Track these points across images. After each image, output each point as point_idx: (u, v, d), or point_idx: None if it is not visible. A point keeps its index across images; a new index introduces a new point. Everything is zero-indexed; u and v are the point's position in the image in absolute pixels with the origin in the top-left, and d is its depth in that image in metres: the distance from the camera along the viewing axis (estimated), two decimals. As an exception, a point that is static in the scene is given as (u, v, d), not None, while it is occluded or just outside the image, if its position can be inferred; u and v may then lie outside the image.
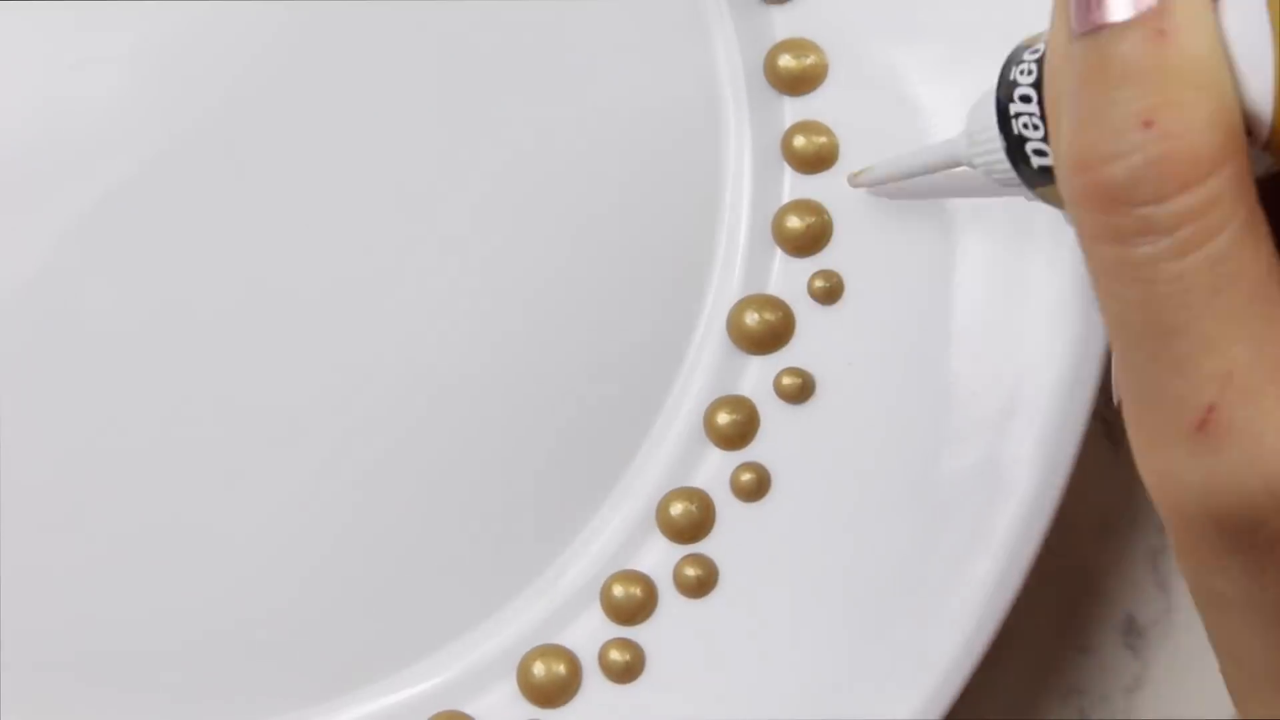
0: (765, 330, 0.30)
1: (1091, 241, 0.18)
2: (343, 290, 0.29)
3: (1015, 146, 0.22)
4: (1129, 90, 0.17)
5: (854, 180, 0.29)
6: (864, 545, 0.29)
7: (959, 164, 0.24)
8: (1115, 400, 0.21)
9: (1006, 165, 0.22)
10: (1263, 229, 0.18)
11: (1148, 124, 0.17)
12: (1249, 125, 0.17)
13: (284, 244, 0.29)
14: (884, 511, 0.29)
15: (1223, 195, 0.17)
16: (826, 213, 0.29)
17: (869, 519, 0.29)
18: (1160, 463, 0.18)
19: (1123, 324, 0.18)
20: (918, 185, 0.27)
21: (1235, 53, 0.17)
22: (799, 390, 0.30)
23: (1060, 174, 0.18)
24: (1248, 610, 0.19)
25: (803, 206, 0.30)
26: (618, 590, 0.30)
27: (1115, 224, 0.18)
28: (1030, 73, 0.21)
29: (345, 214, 0.29)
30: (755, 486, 0.30)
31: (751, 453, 0.30)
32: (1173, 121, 0.17)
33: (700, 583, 0.29)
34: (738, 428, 0.30)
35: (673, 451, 0.30)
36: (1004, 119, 0.22)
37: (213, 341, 0.29)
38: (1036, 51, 0.21)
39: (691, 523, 0.30)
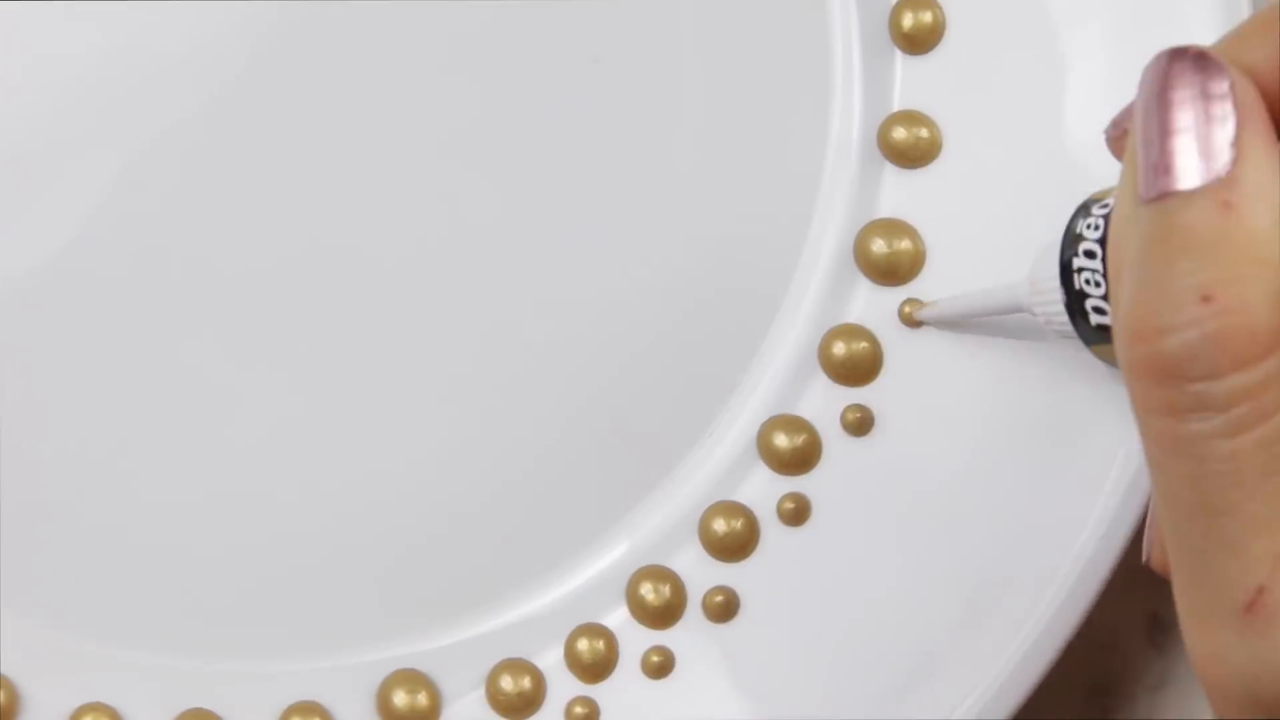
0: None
1: (1144, 412, 0.18)
2: (506, 261, 0.30)
3: (1075, 301, 0.22)
4: (1190, 262, 0.17)
5: (917, 315, 0.29)
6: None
7: (1019, 310, 0.24)
8: (1145, 558, 0.22)
9: (1065, 319, 0.22)
10: None
11: (1207, 298, 0.17)
12: None
13: (431, 222, 0.30)
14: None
15: (1279, 375, 0.17)
16: (919, 239, 0.29)
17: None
18: (1206, 641, 0.18)
19: (1174, 498, 0.18)
20: (978, 322, 0.27)
21: None
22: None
23: (1118, 340, 0.18)
24: None
25: (890, 225, 0.30)
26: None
27: (1169, 397, 0.18)
28: (1097, 228, 0.21)
29: (486, 202, 0.30)
30: (859, 424, 0.29)
31: (863, 395, 0.30)
32: (1232, 297, 0.17)
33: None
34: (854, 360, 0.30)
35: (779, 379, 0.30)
36: (1066, 272, 0.22)
37: (374, 289, 0.30)
38: (1106, 206, 0.21)
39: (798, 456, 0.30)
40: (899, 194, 0.30)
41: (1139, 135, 0.18)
